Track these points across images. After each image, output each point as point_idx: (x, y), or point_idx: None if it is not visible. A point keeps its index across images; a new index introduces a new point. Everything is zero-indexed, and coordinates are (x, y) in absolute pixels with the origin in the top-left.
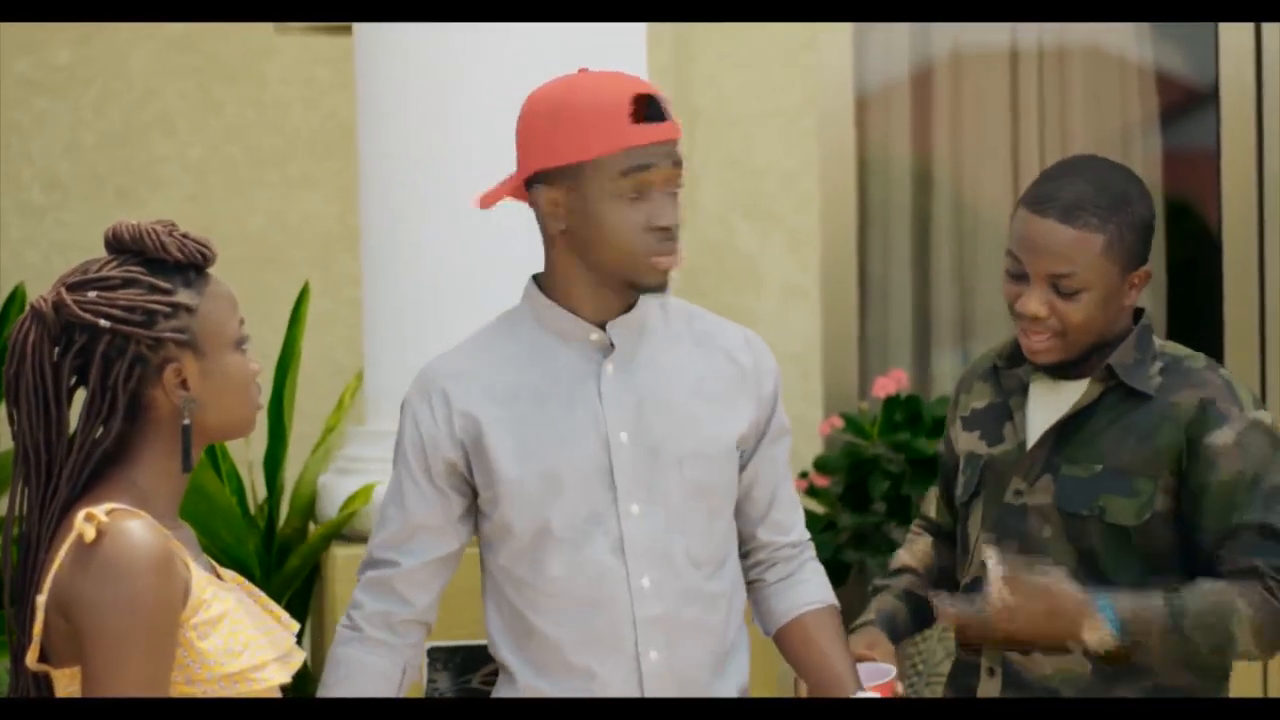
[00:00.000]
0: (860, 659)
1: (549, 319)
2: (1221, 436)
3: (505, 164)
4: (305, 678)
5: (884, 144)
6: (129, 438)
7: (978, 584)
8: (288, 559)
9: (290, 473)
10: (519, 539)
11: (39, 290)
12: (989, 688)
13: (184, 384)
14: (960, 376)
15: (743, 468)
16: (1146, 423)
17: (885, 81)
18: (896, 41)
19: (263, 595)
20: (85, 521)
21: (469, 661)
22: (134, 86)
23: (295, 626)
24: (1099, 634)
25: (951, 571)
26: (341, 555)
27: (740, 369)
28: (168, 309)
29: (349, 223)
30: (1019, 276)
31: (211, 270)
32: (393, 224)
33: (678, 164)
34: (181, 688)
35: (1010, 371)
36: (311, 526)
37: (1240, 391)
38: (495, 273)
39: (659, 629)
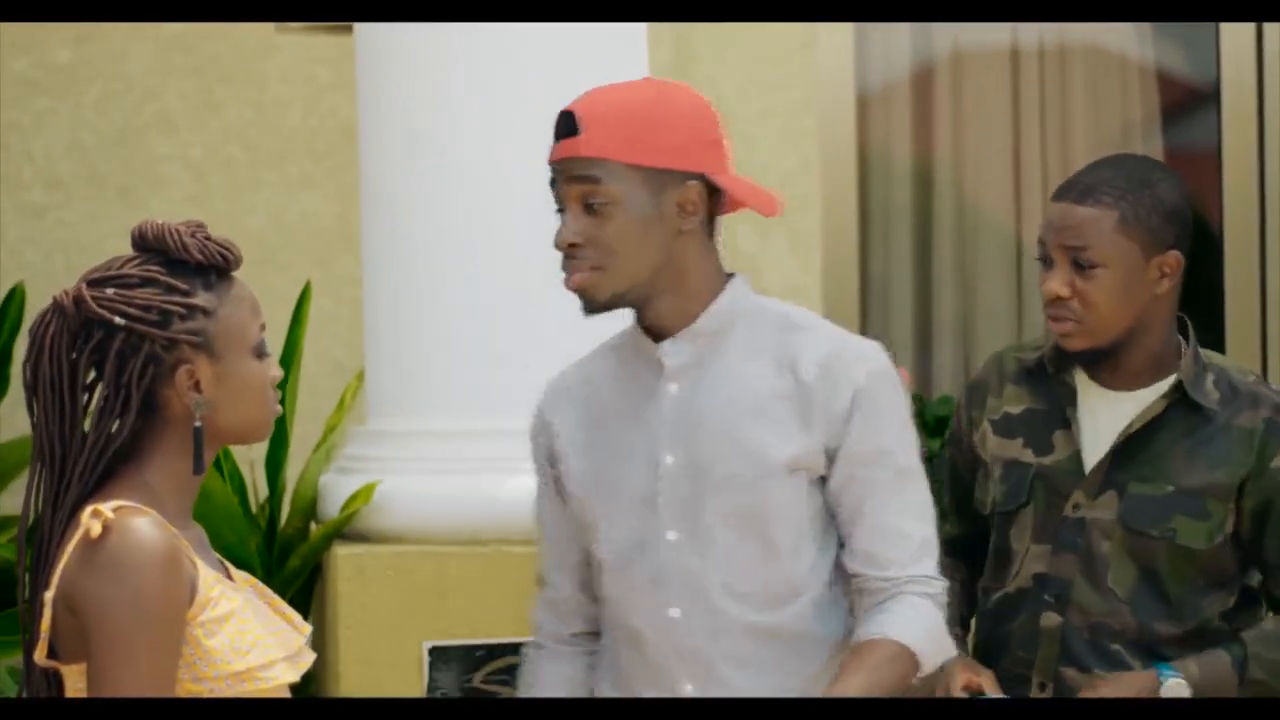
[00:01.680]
0: (969, 688)
1: (633, 333)
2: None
3: (503, 162)
4: (308, 677)
5: (885, 144)
6: (142, 436)
7: (1022, 596)
8: (289, 559)
9: (291, 472)
10: (591, 557)
11: (39, 290)
12: None
13: (197, 386)
14: (977, 377)
15: (831, 494)
16: (1217, 445)
17: (886, 81)
18: (897, 41)
19: (275, 597)
20: (91, 518)
21: (471, 661)
22: (134, 86)
23: (307, 629)
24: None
25: (970, 585)
26: (343, 554)
27: (801, 386)
28: (184, 310)
29: (349, 222)
30: (1046, 261)
31: (236, 274)
32: (393, 223)
33: (578, 179)
34: (188, 686)
35: (1058, 376)
36: (313, 526)
37: None
38: (495, 272)
39: (694, 663)
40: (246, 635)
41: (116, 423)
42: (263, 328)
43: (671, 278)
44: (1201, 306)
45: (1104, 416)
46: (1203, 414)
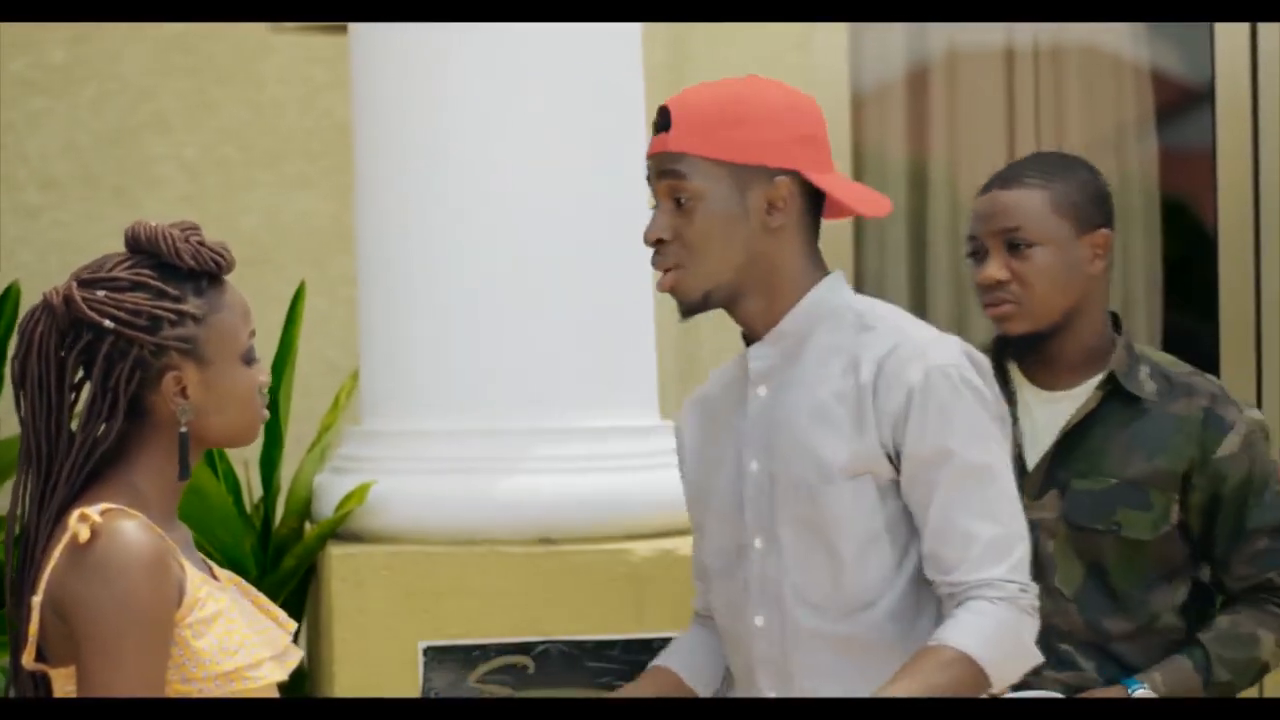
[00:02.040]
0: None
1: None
2: (1229, 445)
3: (498, 163)
4: (302, 677)
5: (879, 143)
6: (129, 439)
7: None
8: (283, 559)
9: (286, 472)
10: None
11: (34, 290)
12: None
13: (184, 392)
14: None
15: (904, 497)
16: (1155, 434)
17: (880, 81)
18: (892, 41)
19: (260, 595)
20: (79, 522)
21: (466, 661)
22: (129, 86)
23: (292, 626)
24: None
25: None
26: (337, 554)
27: (860, 388)
28: (173, 316)
29: (344, 222)
30: (977, 254)
31: (228, 279)
32: (387, 223)
33: (665, 174)
34: (177, 687)
35: (996, 379)
36: (307, 526)
37: (1229, 393)
38: (490, 273)
39: (773, 671)
40: (234, 635)
41: (103, 425)
42: (252, 334)
43: (759, 277)
44: (1196, 306)
45: (1042, 417)
46: (1139, 405)
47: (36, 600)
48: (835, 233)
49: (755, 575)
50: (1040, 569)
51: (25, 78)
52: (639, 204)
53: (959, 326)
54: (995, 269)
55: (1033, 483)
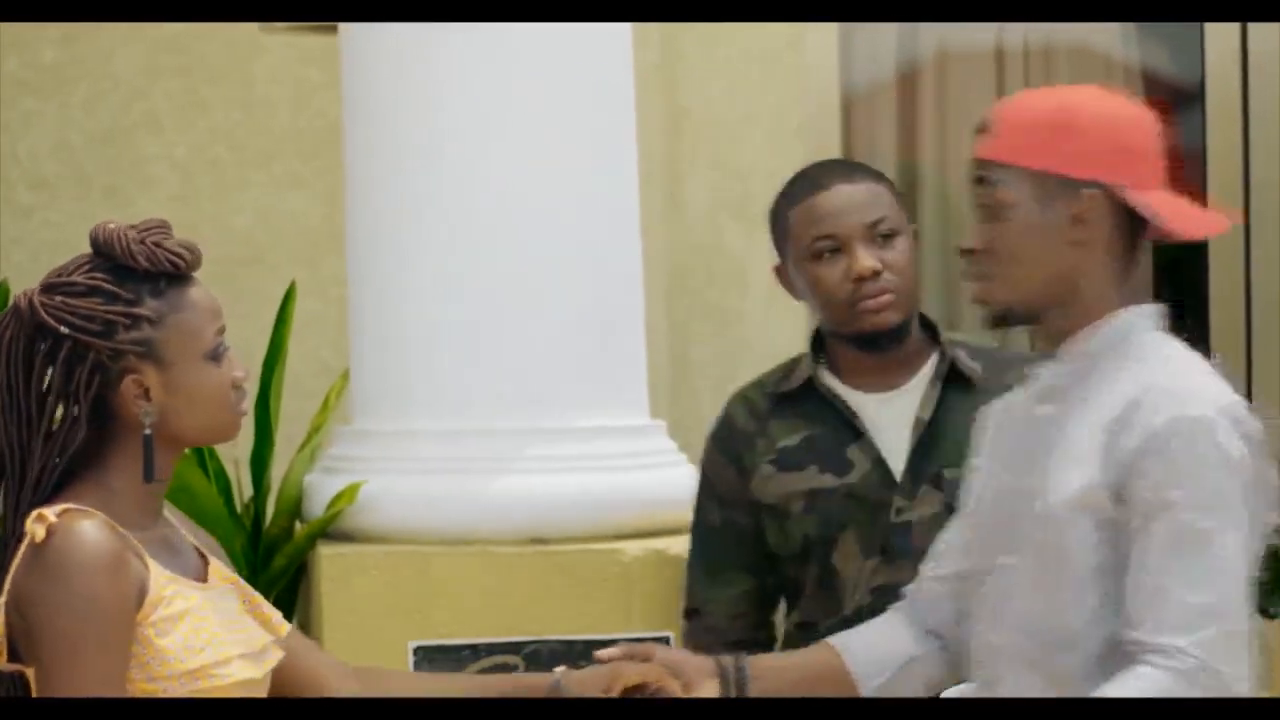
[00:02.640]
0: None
1: None
2: None
3: (490, 162)
4: None
5: (870, 143)
6: (101, 441)
7: (862, 615)
8: (274, 558)
9: (276, 472)
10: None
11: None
12: None
13: (146, 394)
14: (722, 432)
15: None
16: None
17: (871, 81)
18: (882, 41)
19: (256, 595)
20: (35, 522)
21: (456, 661)
22: (121, 86)
23: (284, 629)
24: None
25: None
26: (327, 554)
27: (1110, 423)
28: (127, 320)
29: (336, 223)
30: (833, 253)
31: (196, 275)
32: (378, 223)
33: (977, 182)
34: (142, 685)
35: (819, 395)
36: (298, 525)
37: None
38: (481, 272)
39: (994, 693)
40: (201, 633)
41: (68, 429)
42: (221, 330)
43: (1063, 292)
44: (1187, 308)
45: (885, 418)
46: (973, 387)
47: (0, 601)
48: None
49: (996, 593)
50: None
51: (17, 77)
52: (630, 204)
53: (948, 324)
54: (870, 260)
55: (905, 483)
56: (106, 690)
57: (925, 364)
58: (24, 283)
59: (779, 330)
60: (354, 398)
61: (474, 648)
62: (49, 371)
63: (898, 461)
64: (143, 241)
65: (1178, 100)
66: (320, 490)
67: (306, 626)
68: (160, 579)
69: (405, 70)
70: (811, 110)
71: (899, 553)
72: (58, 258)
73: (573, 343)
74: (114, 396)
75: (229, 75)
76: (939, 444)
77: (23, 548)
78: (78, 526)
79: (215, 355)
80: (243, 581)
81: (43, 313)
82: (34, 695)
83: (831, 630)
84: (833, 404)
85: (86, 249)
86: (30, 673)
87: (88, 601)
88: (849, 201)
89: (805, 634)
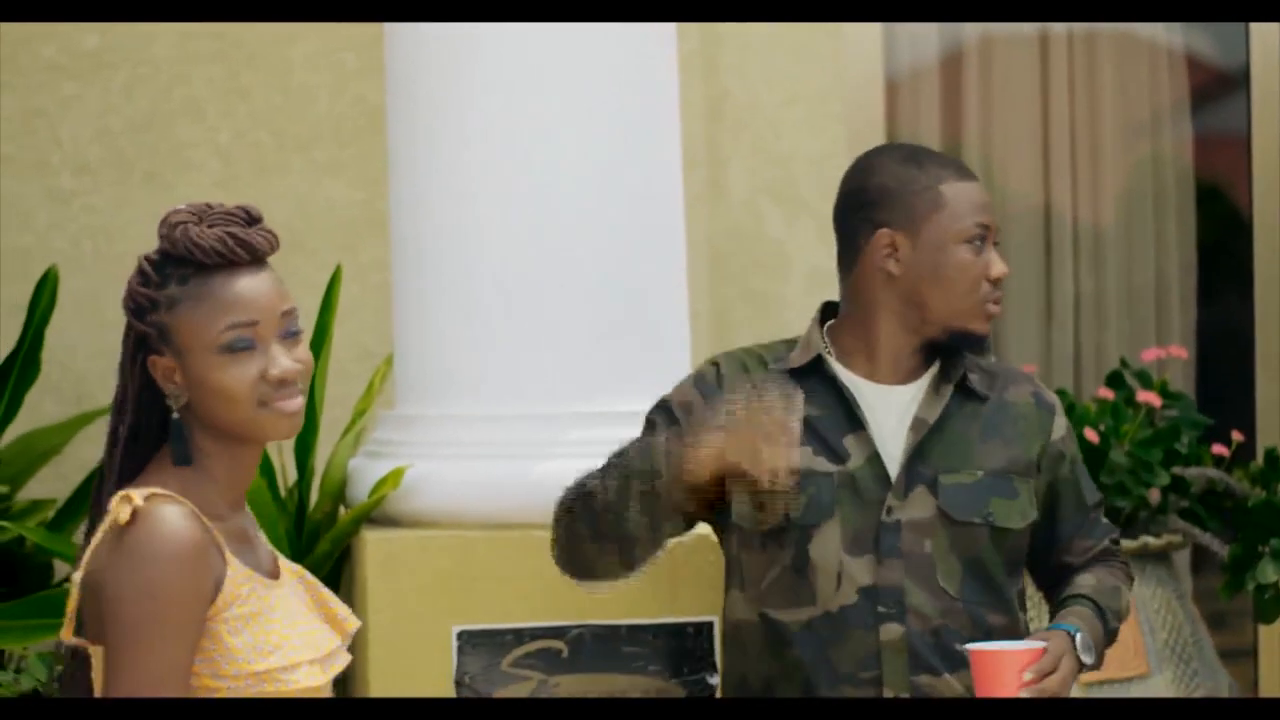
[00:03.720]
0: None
1: None
2: (1059, 426)
3: (533, 149)
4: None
5: (913, 128)
6: (183, 420)
7: (847, 613)
8: (318, 543)
9: (320, 456)
10: None
11: (69, 275)
12: None
13: (174, 378)
14: (712, 375)
15: None
16: (1002, 423)
17: (914, 65)
18: (925, 25)
19: (323, 590)
20: (121, 503)
21: (500, 646)
22: (161, 71)
23: (354, 625)
24: (1088, 658)
25: None
26: (372, 539)
27: None
28: (149, 304)
29: (375, 209)
30: (981, 243)
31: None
32: (421, 210)
33: None
34: (207, 681)
35: (824, 377)
36: (342, 510)
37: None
38: (524, 258)
39: None
40: (271, 635)
41: (132, 411)
42: (238, 325)
43: None
44: (1230, 291)
45: (883, 413)
46: (976, 397)
47: (76, 577)
48: None
49: None
50: (922, 570)
51: (57, 63)
52: (673, 190)
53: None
54: (1004, 265)
55: (899, 482)
56: (169, 681)
57: (929, 367)
58: (67, 267)
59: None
60: (398, 383)
61: (517, 632)
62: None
63: (893, 459)
64: (180, 225)
65: (1222, 86)
66: (364, 475)
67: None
68: (238, 575)
69: (450, 56)
70: (853, 94)
71: (888, 552)
72: (99, 243)
73: (615, 327)
74: (157, 377)
75: (269, 61)
76: (937, 449)
77: (104, 526)
78: (162, 512)
79: (230, 349)
80: (309, 575)
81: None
82: (97, 674)
83: (817, 625)
84: (837, 389)
85: (128, 234)
86: (92, 649)
87: (159, 590)
88: (984, 197)
89: (768, 629)
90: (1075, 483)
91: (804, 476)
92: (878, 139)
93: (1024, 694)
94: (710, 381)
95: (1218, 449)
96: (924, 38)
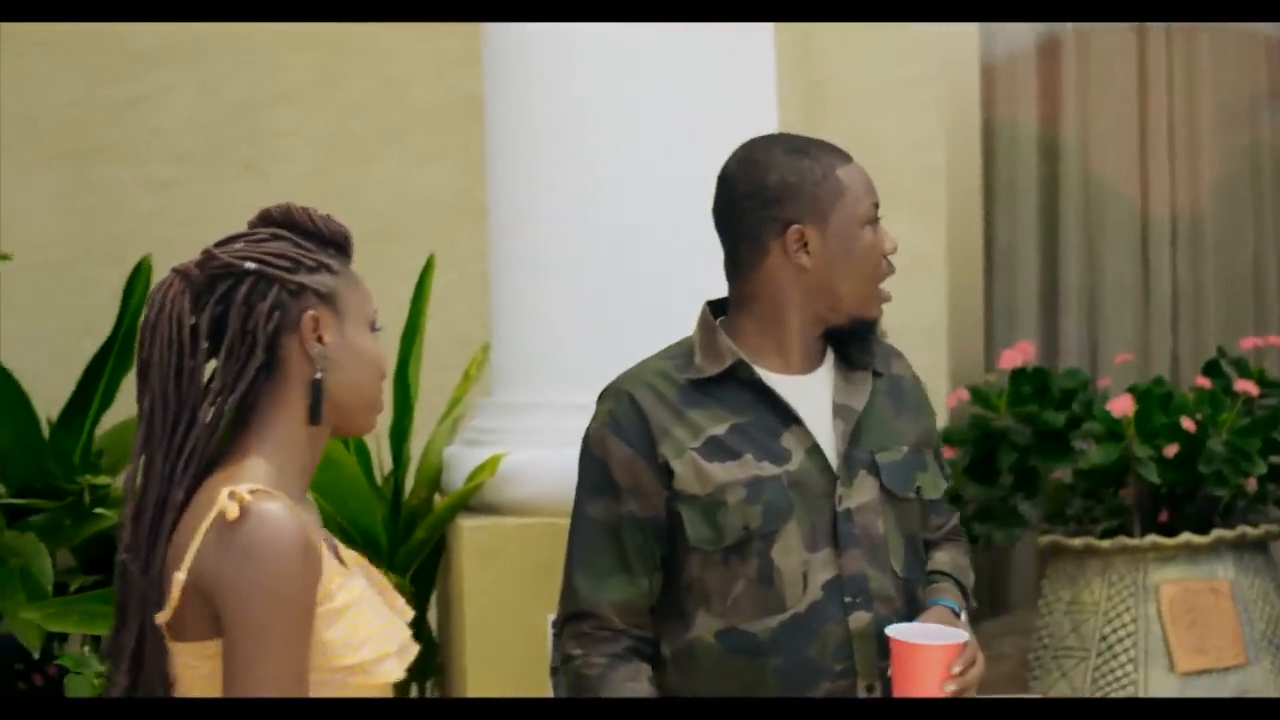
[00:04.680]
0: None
1: None
2: (929, 401)
3: (631, 139)
4: (433, 648)
5: (1010, 114)
6: (261, 398)
7: (815, 610)
8: (414, 530)
9: (416, 444)
10: None
11: (166, 264)
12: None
13: (320, 338)
14: (631, 420)
15: None
16: (901, 399)
17: (1011, 51)
18: None
19: (381, 578)
20: (229, 499)
21: None
22: (258, 60)
23: (410, 614)
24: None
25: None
26: (468, 527)
27: None
28: (312, 263)
29: (472, 197)
30: (875, 224)
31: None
32: (521, 199)
33: None
34: None
35: (738, 380)
36: (437, 498)
37: None
38: (623, 247)
39: None
40: (360, 629)
41: (237, 376)
42: (374, 312)
43: None
44: None
45: (805, 405)
46: (876, 374)
47: (180, 576)
48: (965, 204)
49: None
50: (877, 554)
51: (155, 52)
52: None
53: (1089, 296)
54: (893, 238)
55: (843, 470)
56: (293, 679)
57: (825, 351)
58: (165, 257)
59: (919, 303)
60: (495, 370)
61: None
62: (214, 323)
63: (829, 449)
64: (316, 213)
65: None
66: (461, 462)
67: (446, 598)
68: (330, 568)
69: (549, 47)
70: (950, 81)
71: (848, 542)
72: (196, 231)
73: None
74: (288, 338)
75: (364, 49)
76: (863, 429)
77: (208, 523)
78: (272, 509)
79: (374, 328)
80: (366, 561)
81: (223, 257)
82: (184, 670)
83: (787, 629)
84: (754, 390)
85: (224, 221)
86: (177, 646)
87: (282, 590)
88: (868, 179)
89: (732, 641)
90: (939, 458)
91: (753, 485)
92: (974, 126)
93: (948, 689)
94: (632, 424)
95: None
96: (1021, 25)
